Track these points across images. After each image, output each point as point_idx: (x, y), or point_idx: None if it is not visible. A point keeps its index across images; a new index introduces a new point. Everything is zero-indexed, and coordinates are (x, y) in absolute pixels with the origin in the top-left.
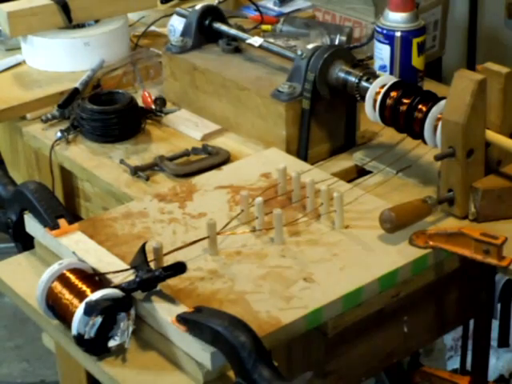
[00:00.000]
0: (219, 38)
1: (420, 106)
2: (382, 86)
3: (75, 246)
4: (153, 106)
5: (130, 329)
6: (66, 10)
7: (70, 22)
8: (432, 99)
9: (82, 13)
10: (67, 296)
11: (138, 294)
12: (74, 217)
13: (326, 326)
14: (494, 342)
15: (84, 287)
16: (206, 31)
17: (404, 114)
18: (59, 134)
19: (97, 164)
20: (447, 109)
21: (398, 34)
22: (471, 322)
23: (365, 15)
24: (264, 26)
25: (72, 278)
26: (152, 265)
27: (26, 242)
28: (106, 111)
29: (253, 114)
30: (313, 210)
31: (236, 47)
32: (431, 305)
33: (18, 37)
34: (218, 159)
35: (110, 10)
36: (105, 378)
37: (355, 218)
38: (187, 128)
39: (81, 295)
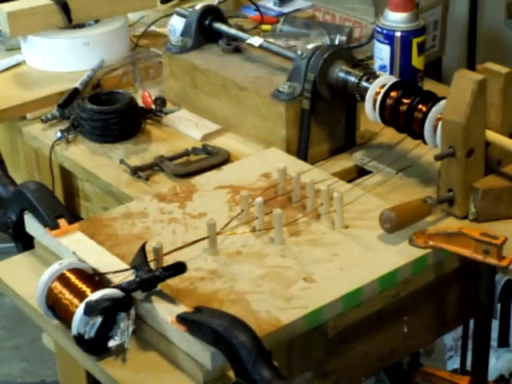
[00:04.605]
0: (219, 37)
1: (420, 106)
2: (382, 86)
3: (75, 245)
4: (153, 106)
5: (130, 329)
6: (65, 10)
7: (70, 22)
8: (432, 99)
9: (82, 13)
10: (67, 296)
11: (138, 294)
12: (74, 217)
13: (326, 326)
14: (494, 342)
15: (84, 287)
16: (206, 31)
17: (404, 114)
18: (59, 134)
19: (97, 164)
20: (447, 109)
21: (398, 34)
22: (471, 322)
23: (365, 15)
24: (264, 26)
25: (72, 278)
26: (152, 265)
27: (26, 242)
28: (106, 111)
29: (253, 114)
30: (313, 210)
31: (236, 47)
32: (431, 305)
33: (18, 37)
34: (217, 159)
35: (110, 9)
36: (105, 378)
37: (355, 217)
38: (187, 128)
39: (81, 295)
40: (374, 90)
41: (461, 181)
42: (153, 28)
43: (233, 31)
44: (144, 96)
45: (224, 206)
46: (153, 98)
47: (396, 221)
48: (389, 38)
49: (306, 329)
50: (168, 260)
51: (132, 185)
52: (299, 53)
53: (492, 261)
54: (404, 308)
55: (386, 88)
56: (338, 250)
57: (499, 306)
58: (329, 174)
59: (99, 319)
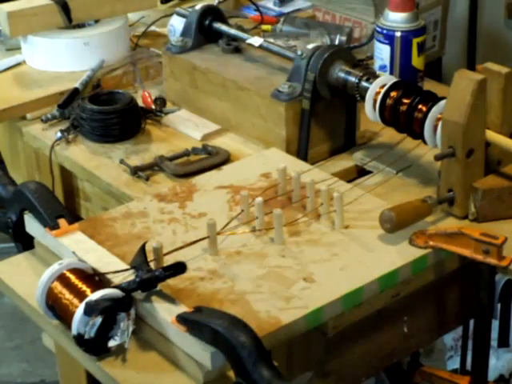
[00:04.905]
0: (219, 37)
1: (420, 106)
2: (382, 86)
3: (75, 245)
4: (153, 106)
5: (130, 329)
6: (66, 9)
7: (70, 22)
8: (432, 99)
9: (82, 13)
10: (67, 296)
11: (138, 294)
12: (74, 217)
13: (326, 326)
14: (494, 342)
15: (84, 287)
16: (206, 31)
17: (404, 114)
18: (59, 134)
19: (97, 164)
20: (447, 109)
21: (398, 34)
22: (471, 322)
23: (365, 15)
24: (264, 26)
25: (72, 278)
26: (152, 265)
27: (26, 242)
28: (106, 111)
29: (253, 114)
30: (313, 210)
31: (236, 47)
32: (431, 305)
33: (18, 37)
34: (217, 159)
35: (110, 10)
36: (105, 378)
37: (355, 218)
38: (187, 128)
39: (81, 295)
40: (374, 90)
41: (461, 181)
42: (153, 28)
43: (233, 31)
44: (144, 96)
45: (224, 206)
46: (153, 97)
47: (396, 221)
48: (389, 38)
49: (306, 329)
50: (168, 260)
51: (132, 185)
52: (299, 53)
53: (492, 261)
54: (404, 308)
55: (385, 88)
56: (337, 250)
57: (499, 305)
58: (329, 174)
59: (99, 319)
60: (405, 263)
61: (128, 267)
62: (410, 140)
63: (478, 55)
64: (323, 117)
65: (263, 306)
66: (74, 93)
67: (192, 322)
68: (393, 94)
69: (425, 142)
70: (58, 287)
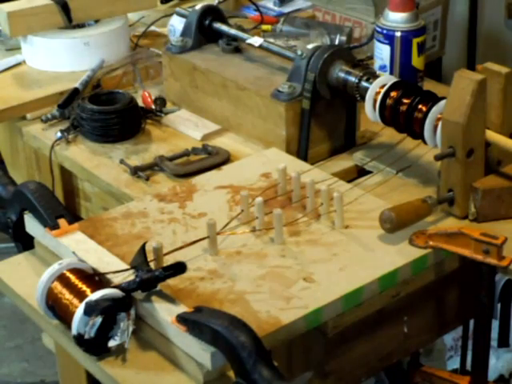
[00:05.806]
0: (219, 38)
1: (420, 106)
2: (382, 86)
3: (75, 245)
4: (153, 106)
5: (130, 329)
6: (66, 9)
7: (70, 22)
8: (432, 99)
9: (82, 13)
10: (67, 296)
11: (138, 294)
12: (74, 217)
13: (326, 326)
14: (494, 342)
15: (84, 287)
16: (206, 31)
17: (404, 114)
18: (59, 134)
19: (97, 164)
20: (447, 109)
21: (398, 34)
22: (471, 322)
23: (365, 15)
24: (264, 26)
25: (72, 278)
26: (152, 265)
27: (26, 242)
28: (106, 111)
29: (253, 114)
30: (313, 210)
31: (236, 47)
32: (431, 305)
33: (18, 37)
34: (218, 159)
35: (110, 10)
36: (105, 378)
37: (355, 217)
38: (187, 128)
39: (81, 295)
40: (374, 90)
41: (461, 181)
42: (153, 28)
43: (233, 31)
44: (144, 96)
45: (224, 206)
46: (153, 97)
47: (396, 221)
48: (389, 38)
49: (306, 329)
50: (168, 260)
51: (132, 185)
52: (299, 53)
53: (492, 261)
54: (404, 308)
55: (386, 88)
56: (337, 250)
57: (499, 305)
58: (329, 174)
59: (99, 319)
60: (405, 263)
61: (128, 267)
62: (410, 140)
63: (478, 55)
64: (323, 117)
65: (263, 305)
66: (74, 93)
67: (192, 322)
68: (393, 93)
69: (425, 142)
70: (58, 287)
